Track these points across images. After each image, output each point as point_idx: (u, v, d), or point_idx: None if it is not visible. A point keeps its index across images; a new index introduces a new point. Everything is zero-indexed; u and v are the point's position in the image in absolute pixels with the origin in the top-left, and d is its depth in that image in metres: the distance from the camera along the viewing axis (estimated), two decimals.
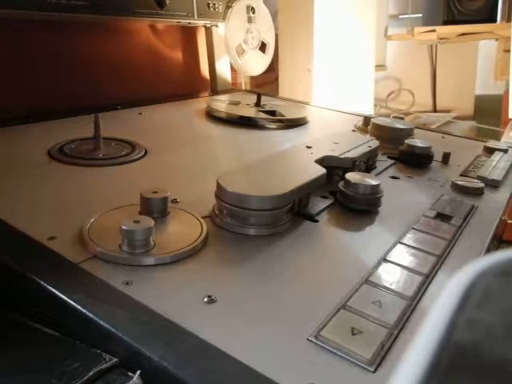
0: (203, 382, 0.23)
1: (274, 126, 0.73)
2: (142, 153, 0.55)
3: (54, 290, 0.28)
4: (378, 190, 0.45)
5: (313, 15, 1.50)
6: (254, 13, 0.96)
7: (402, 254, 0.37)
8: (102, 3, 0.69)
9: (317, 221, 0.42)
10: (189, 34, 0.98)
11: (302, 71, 1.55)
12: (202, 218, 0.38)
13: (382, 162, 0.59)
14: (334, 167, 0.49)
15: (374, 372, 0.24)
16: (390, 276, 0.33)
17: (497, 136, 1.67)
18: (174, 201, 0.42)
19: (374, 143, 0.56)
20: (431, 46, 2.41)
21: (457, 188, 0.53)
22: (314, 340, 0.26)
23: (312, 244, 0.38)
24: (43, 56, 0.72)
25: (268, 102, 0.84)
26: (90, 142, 0.55)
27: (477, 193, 0.52)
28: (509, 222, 0.55)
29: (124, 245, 0.32)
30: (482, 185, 0.53)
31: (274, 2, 1.55)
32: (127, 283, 0.30)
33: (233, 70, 1.03)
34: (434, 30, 2.01)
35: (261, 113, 0.77)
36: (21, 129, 0.62)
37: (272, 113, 0.78)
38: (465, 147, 0.71)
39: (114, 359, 0.26)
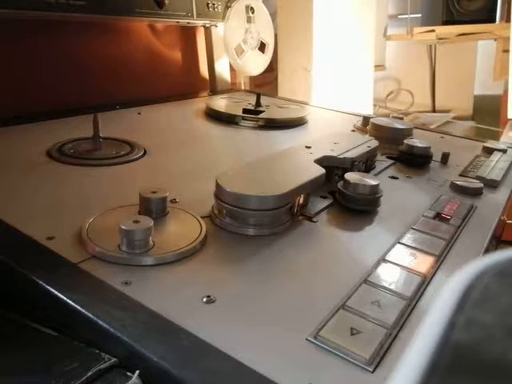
0: (202, 382, 0.23)
1: (272, 126, 0.73)
2: (141, 153, 0.55)
3: (53, 290, 0.28)
4: (377, 190, 0.45)
5: (312, 15, 1.50)
6: (253, 13, 0.96)
7: (401, 254, 0.37)
8: (101, 3, 0.69)
9: (316, 221, 0.42)
10: (188, 33, 0.98)
11: (301, 71, 1.55)
12: (201, 217, 0.38)
13: (381, 162, 0.59)
14: (333, 167, 0.49)
15: (372, 372, 0.25)
16: (389, 276, 0.33)
17: (496, 136, 1.67)
18: (173, 201, 0.42)
19: (373, 143, 0.56)
20: (430, 46, 2.42)
21: (456, 188, 0.53)
22: (313, 340, 0.26)
23: (311, 244, 0.38)
24: (42, 56, 0.72)
25: (267, 102, 0.84)
26: (88, 142, 0.55)
27: (476, 193, 0.52)
28: (508, 222, 0.55)
29: (123, 245, 0.32)
30: (481, 185, 0.53)
31: (274, 2, 1.55)
32: (126, 283, 0.30)
33: (232, 69, 1.03)
34: (433, 30, 2.02)
35: (260, 113, 0.77)
36: (19, 129, 0.62)
37: (271, 113, 0.78)
38: (464, 147, 0.71)
39: (113, 359, 0.26)
